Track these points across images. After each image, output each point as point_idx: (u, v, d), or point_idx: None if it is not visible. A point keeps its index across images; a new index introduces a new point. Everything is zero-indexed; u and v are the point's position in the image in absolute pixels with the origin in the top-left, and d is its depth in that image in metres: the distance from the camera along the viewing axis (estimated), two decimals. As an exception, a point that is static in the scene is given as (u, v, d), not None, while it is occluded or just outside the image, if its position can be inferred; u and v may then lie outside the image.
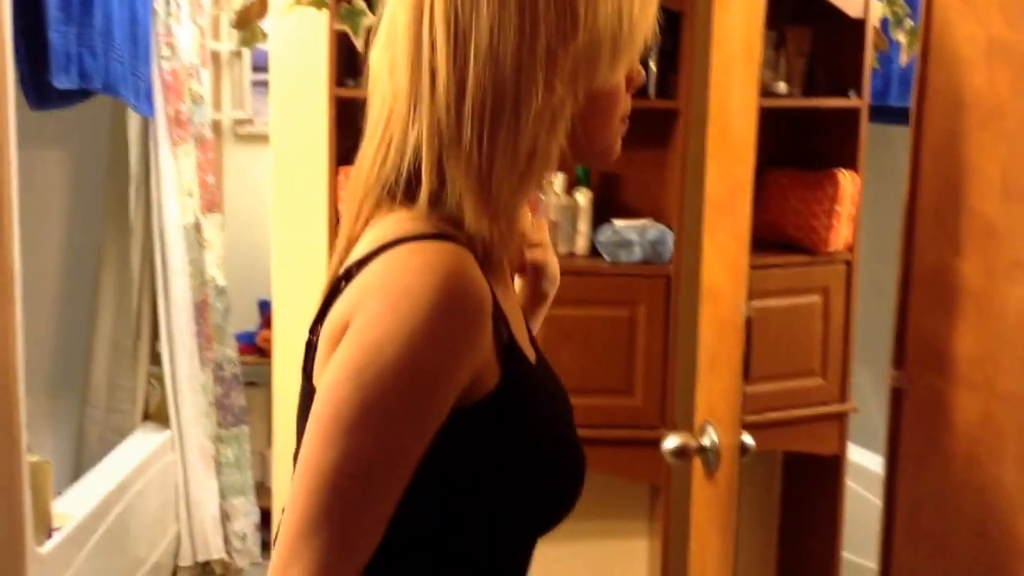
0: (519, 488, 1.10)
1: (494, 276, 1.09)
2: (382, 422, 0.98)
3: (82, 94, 3.21)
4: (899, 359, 1.33)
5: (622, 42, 1.09)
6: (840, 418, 2.62)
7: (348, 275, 1.06)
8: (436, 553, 1.10)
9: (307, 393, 1.09)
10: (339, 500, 0.98)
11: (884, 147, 2.73)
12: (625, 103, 1.17)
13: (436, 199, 1.07)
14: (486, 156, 1.05)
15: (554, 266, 1.40)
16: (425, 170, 1.06)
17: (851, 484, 2.64)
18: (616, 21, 1.07)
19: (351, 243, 1.12)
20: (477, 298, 1.01)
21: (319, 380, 1.05)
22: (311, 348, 1.09)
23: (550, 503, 1.14)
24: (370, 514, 1.00)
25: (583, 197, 2.77)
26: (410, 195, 1.08)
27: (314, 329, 1.10)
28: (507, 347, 1.07)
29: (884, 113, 2.63)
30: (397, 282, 0.99)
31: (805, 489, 2.83)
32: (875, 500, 2.68)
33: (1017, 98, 1.12)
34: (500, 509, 1.10)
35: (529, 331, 1.28)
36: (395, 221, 1.08)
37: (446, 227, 1.06)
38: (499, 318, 1.07)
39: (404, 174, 1.08)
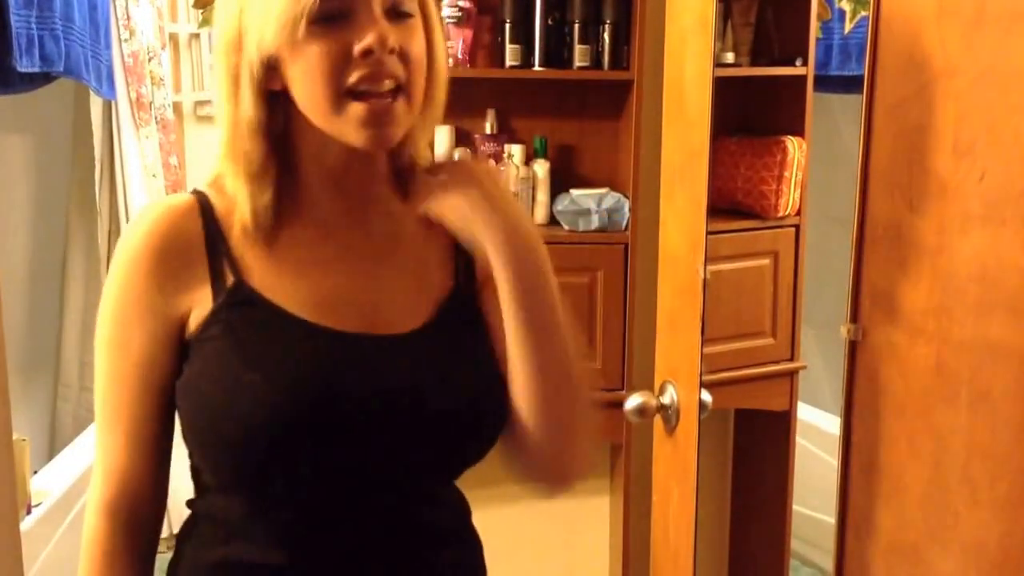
0: (202, 417, 1.15)
1: (264, 235, 1.17)
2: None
3: (44, 78, 3.21)
4: (854, 313, 1.35)
5: (247, 34, 1.12)
6: (790, 376, 2.67)
7: None
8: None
9: None
10: None
11: (826, 114, 2.78)
12: (329, 62, 1.09)
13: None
14: (229, 166, 1.18)
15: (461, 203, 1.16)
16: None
17: (797, 439, 2.71)
18: (229, 24, 1.14)
19: None
20: (153, 232, 1.16)
21: None
22: None
23: (215, 435, 1.14)
24: None
25: (541, 168, 2.77)
26: None
27: None
28: (230, 288, 1.15)
29: (824, 82, 2.66)
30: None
31: (757, 444, 2.87)
32: (819, 453, 2.77)
33: (967, 57, 1.14)
34: (200, 437, 1.16)
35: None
36: None
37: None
38: (226, 260, 1.16)
39: None
